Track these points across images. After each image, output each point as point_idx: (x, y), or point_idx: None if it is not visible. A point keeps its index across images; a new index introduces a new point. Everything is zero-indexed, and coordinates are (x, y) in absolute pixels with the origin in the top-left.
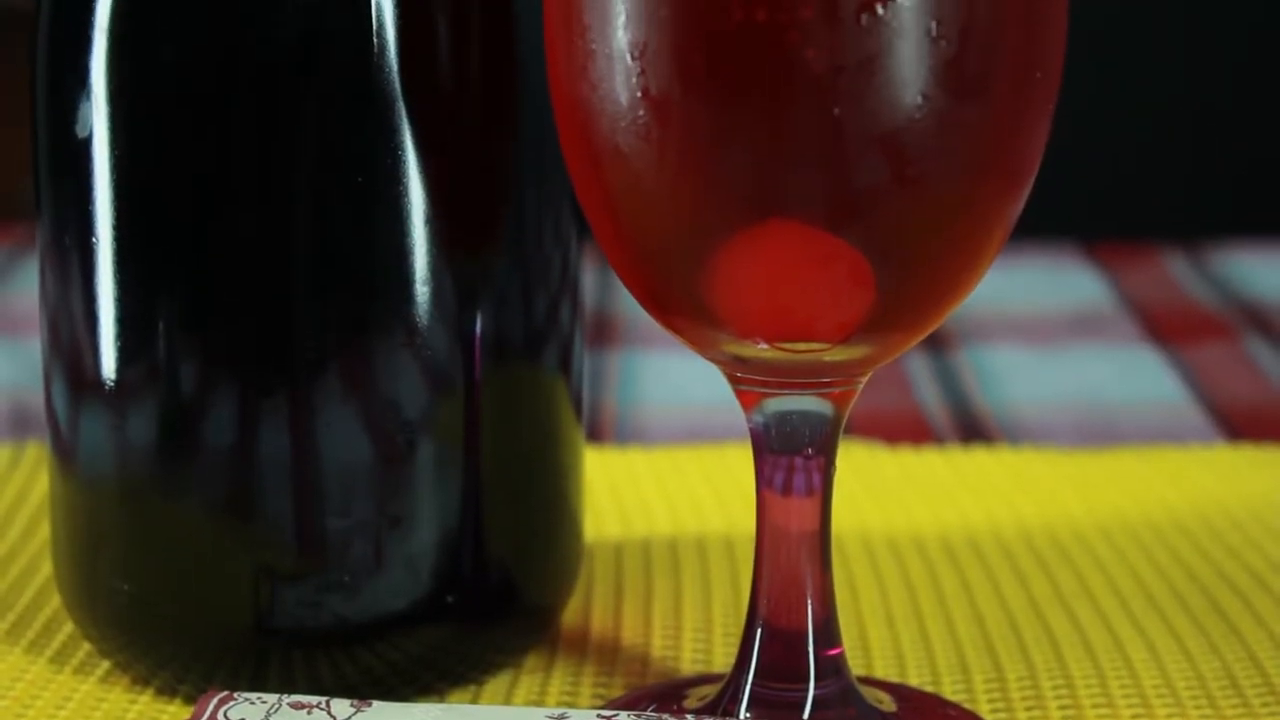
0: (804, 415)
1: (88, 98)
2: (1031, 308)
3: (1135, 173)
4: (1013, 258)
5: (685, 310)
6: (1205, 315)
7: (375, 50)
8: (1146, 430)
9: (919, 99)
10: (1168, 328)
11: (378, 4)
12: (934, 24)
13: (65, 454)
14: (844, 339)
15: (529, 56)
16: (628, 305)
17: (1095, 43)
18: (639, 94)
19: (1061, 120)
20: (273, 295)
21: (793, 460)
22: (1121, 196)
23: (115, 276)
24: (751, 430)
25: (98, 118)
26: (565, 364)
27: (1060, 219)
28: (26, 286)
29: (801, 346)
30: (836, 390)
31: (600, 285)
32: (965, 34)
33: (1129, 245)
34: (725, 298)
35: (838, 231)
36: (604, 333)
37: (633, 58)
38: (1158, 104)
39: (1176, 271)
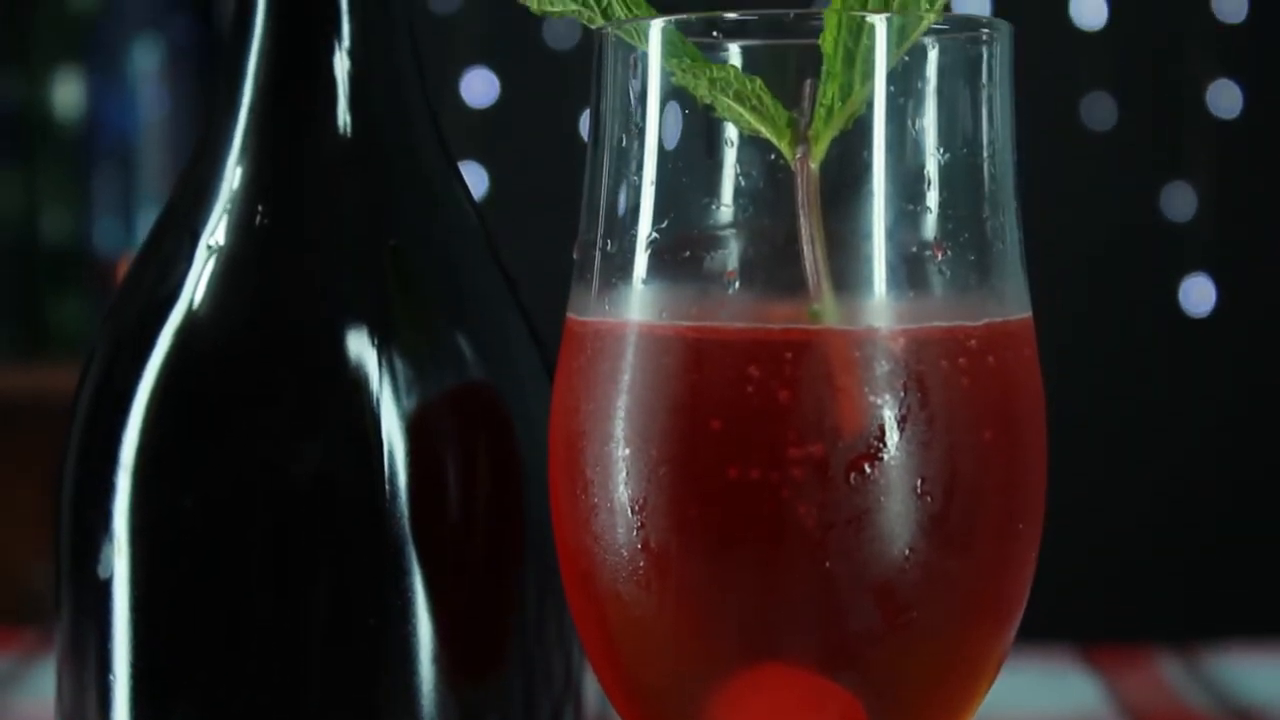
0: None
1: (110, 540)
2: (1028, 714)
3: (1129, 575)
4: (1008, 661)
5: None
6: None
7: (386, 497)
8: None
9: (907, 551)
10: None
11: (389, 453)
12: (919, 481)
13: None
14: None
15: (533, 498)
16: None
17: (1087, 446)
18: (639, 546)
19: (1054, 524)
20: None
21: None
22: (1116, 599)
23: (131, 709)
24: None
25: (119, 560)
26: None
27: (1055, 622)
28: (36, 694)
29: None
30: None
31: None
32: (949, 491)
33: (1124, 649)
34: None
35: (831, 675)
36: None
37: (633, 512)
38: (1150, 507)
39: (1172, 675)
